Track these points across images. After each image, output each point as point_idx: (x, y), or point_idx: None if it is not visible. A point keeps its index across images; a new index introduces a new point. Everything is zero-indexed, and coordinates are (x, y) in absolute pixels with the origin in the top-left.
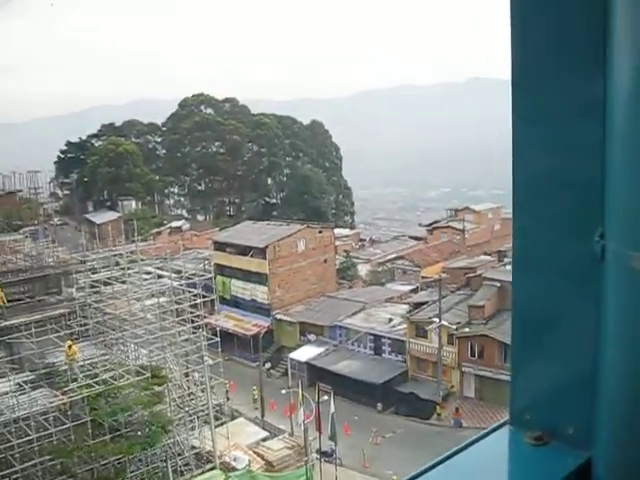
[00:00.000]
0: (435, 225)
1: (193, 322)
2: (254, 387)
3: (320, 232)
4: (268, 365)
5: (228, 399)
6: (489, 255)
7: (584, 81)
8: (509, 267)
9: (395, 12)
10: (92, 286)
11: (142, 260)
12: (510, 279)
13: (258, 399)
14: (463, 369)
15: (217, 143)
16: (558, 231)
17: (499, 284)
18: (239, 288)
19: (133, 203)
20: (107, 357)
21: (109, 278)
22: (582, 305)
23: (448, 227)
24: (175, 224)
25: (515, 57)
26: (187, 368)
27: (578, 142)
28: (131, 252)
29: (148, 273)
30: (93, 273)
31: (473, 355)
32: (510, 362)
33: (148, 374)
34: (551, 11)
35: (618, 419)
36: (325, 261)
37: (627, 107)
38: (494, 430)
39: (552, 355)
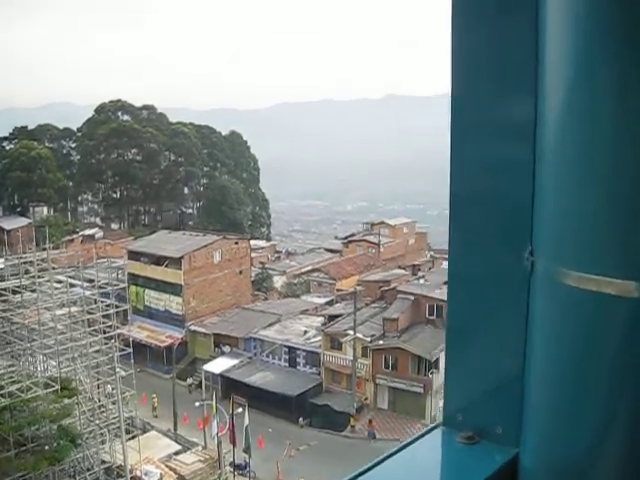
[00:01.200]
0: (351, 238)
1: (105, 333)
2: (154, 395)
3: (236, 243)
4: (190, 381)
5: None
6: (403, 269)
7: (517, 101)
8: (422, 281)
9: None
10: None
11: (53, 268)
12: (423, 292)
13: (158, 407)
14: (377, 381)
15: (134, 150)
16: (491, 247)
17: (413, 297)
18: (153, 298)
19: (45, 209)
20: (14, 368)
21: (18, 286)
22: (511, 315)
23: (364, 240)
24: (88, 232)
25: (454, 75)
26: (98, 380)
27: (510, 161)
28: (42, 260)
29: (59, 282)
30: (1, 281)
31: (387, 367)
32: (445, 366)
33: (57, 386)
34: (488, 30)
35: (542, 418)
36: (241, 272)
37: (555, 128)
38: (428, 432)
39: (483, 360)
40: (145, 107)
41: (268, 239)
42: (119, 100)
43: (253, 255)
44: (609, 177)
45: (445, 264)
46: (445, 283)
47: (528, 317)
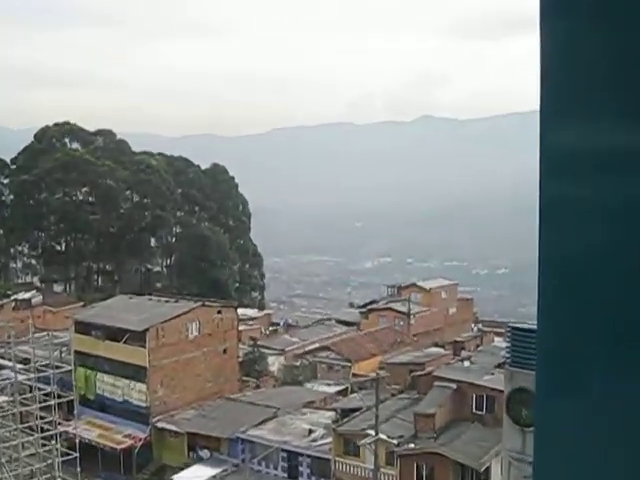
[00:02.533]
0: (371, 307)
1: (43, 431)
2: None
3: (219, 312)
4: None
5: None
6: (442, 347)
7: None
8: (467, 364)
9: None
10: None
11: None
12: (469, 379)
13: None
14: None
15: (85, 189)
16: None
17: (455, 386)
18: (108, 385)
19: None
20: None
21: None
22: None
23: (388, 309)
24: (23, 296)
25: (544, 90)
26: None
27: (622, 205)
28: None
29: None
30: None
31: (420, 479)
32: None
33: None
34: (597, 34)
35: None
36: (225, 351)
37: None
38: None
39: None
40: (100, 132)
41: (261, 307)
42: (66, 123)
43: (241, 328)
44: None
45: (498, 340)
46: (499, 366)
47: None
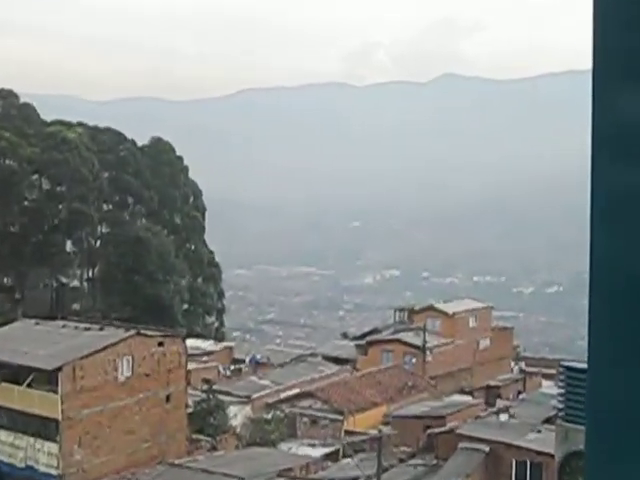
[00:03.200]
0: (372, 338)
1: None
2: None
3: (160, 344)
4: None
5: None
6: (469, 394)
7: None
8: (505, 417)
9: None
10: None
11: None
12: (506, 439)
13: None
14: None
15: None
16: None
17: (487, 448)
18: (5, 445)
19: None
20: None
21: None
22: None
23: (395, 341)
24: None
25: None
26: None
27: None
28: None
29: None
30: None
31: None
32: None
33: None
34: None
35: None
36: (168, 399)
37: None
38: None
39: None
40: None
41: (219, 337)
42: None
43: (191, 366)
44: None
45: (548, 385)
46: (548, 420)
47: None
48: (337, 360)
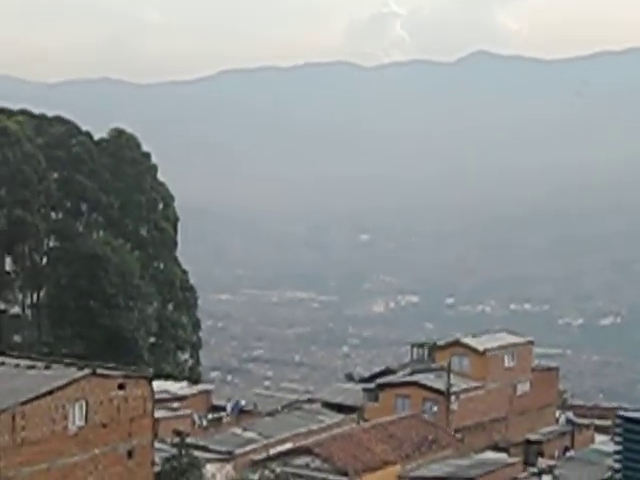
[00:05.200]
0: (384, 380)
1: None
2: None
3: (121, 387)
4: None
5: None
6: (505, 451)
7: None
8: (548, 479)
9: None
10: None
11: None
12: None
13: None
14: None
15: None
16: None
17: None
18: None
19: None
20: None
21: None
22: None
23: (413, 385)
24: None
25: None
26: None
27: None
28: None
29: None
30: None
31: None
32: None
33: None
34: None
35: None
36: (130, 454)
37: None
38: None
39: None
40: None
41: (195, 378)
42: None
43: (161, 415)
44: None
45: (602, 440)
46: None
47: None
48: (340, 408)
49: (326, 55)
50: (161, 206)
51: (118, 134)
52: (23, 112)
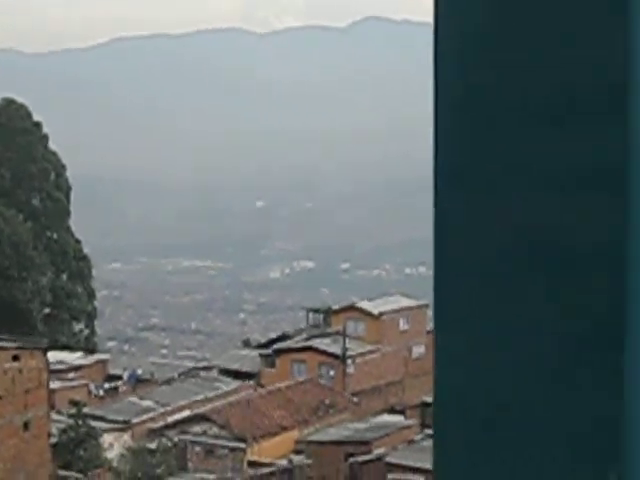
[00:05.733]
0: (281, 346)
1: None
2: None
3: (15, 358)
4: None
5: None
6: (401, 413)
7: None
8: None
9: None
10: None
11: None
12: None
13: None
14: None
15: None
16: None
17: (423, 479)
18: None
19: None
20: None
21: None
22: None
23: (309, 349)
24: None
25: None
26: None
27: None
28: None
29: None
30: None
31: None
32: None
33: None
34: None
35: None
36: (26, 426)
37: None
38: None
39: None
40: None
41: (91, 348)
42: None
43: (55, 385)
44: None
45: None
46: None
47: None
48: (237, 374)
49: (221, 21)
50: (53, 176)
51: (8, 104)
52: None
